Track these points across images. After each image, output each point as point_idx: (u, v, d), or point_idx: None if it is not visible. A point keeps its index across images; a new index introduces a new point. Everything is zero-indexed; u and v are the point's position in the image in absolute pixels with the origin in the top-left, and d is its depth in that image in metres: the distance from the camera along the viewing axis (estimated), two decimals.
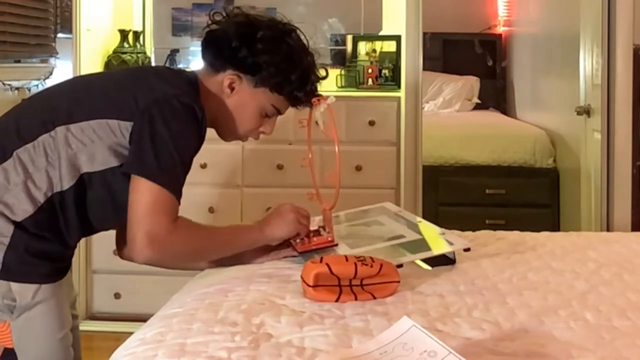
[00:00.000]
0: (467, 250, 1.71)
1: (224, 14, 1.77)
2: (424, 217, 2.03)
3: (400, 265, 1.58)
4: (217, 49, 1.74)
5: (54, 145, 1.60)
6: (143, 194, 1.55)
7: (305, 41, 1.78)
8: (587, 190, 3.53)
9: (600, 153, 3.19)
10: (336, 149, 1.73)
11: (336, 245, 1.77)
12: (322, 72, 1.79)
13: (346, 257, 1.53)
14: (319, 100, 1.77)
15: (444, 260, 1.72)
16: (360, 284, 1.48)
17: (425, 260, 1.71)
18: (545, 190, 4.47)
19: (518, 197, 4.45)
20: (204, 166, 3.12)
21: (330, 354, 1.19)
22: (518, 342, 1.27)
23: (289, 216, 1.73)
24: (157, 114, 1.58)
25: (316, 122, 1.80)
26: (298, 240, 1.76)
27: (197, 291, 1.57)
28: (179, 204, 1.59)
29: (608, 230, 3.14)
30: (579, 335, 1.32)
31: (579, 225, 3.62)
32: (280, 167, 3.21)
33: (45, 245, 1.61)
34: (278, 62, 1.70)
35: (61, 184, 1.60)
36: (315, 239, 1.77)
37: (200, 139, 1.67)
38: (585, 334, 1.32)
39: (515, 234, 2.07)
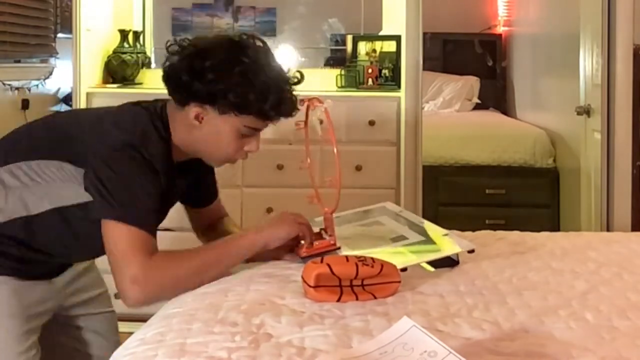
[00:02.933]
0: (471, 252, 1.71)
1: (178, 46, 1.74)
2: (424, 217, 2.02)
3: (404, 269, 1.57)
4: (174, 84, 1.72)
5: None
6: (114, 238, 1.58)
7: (265, 51, 1.74)
8: (587, 190, 3.54)
9: (600, 153, 3.19)
10: (335, 150, 1.72)
11: (338, 248, 1.76)
12: (296, 76, 1.75)
13: (347, 258, 1.53)
14: (314, 103, 1.75)
15: (447, 262, 1.71)
16: (361, 284, 1.48)
17: (428, 262, 1.70)
18: (545, 190, 4.47)
19: (518, 197, 4.45)
20: None
21: (331, 354, 1.19)
22: (518, 342, 1.27)
23: (287, 217, 1.73)
24: (107, 160, 1.62)
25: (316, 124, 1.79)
26: (302, 246, 1.75)
27: (197, 291, 1.56)
28: (154, 236, 1.61)
29: (608, 230, 3.14)
30: (579, 335, 1.32)
31: (579, 225, 3.62)
32: (280, 167, 3.21)
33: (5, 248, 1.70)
34: (233, 86, 1.67)
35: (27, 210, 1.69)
36: (317, 242, 1.76)
37: (159, 175, 1.66)
38: (585, 334, 1.32)
39: (515, 234, 2.07)
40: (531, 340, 1.28)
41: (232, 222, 2.02)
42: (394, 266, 1.54)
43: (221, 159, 1.78)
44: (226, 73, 1.67)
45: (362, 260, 1.50)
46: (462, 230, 2.05)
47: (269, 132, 1.82)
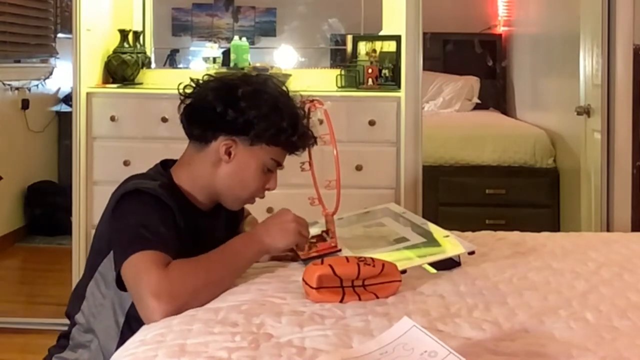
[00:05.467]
0: (471, 253, 1.71)
1: (195, 84, 1.74)
2: (424, 217, 2.02)
3: (404, 271, 1.57)
4: (202, 119, 1.71)
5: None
6: (128, 271, 1.50)
7: (283, 84, 1.77)
8: (587, 190, 3.53)
9: (600, 153, 3.19)
10: (335, 152, 1.72)
11: (339, 250, 1.76)
12: (305, 109, 1.77)
13: (347, 258, 1.53)
14: (315, 105, 1.76)
15: (448, 264, 1.71)
16: (363, 284, 1.48)
17: (430, 263, 1.70)
18: (545, 190, 4.47)
19: (518, 197, 4.45)
20: None
21: (331, 354, 1.19)
22: (518, 342, 1.27)
23: (290, 226, 1.66)
24: (113, 215, 1.61)
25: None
26: (302, 250, 1.75)
27: None
28: (168, 254, 1.51)
29: (608, 230, 3.14)
30: (579, 335, 1.32)
31: (579, 225, 3.62)
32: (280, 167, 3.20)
33: None
34: (266, 113, 1.68)
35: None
36: (318, 245, 1.76)
37: (169, 207, 1.61)
38: (585, 334, 1.32)
39: (515, 234, 2.07)
40: (531, 340, 1.28)
41: (249, 222, 1.97)
42: (395, 265, 1.54)
43: (244, 197, 1.77)
44: (259, 101, 1.69)
45: (362, 260, 1.50)
46: (462, 230, 2.05)
47: None
